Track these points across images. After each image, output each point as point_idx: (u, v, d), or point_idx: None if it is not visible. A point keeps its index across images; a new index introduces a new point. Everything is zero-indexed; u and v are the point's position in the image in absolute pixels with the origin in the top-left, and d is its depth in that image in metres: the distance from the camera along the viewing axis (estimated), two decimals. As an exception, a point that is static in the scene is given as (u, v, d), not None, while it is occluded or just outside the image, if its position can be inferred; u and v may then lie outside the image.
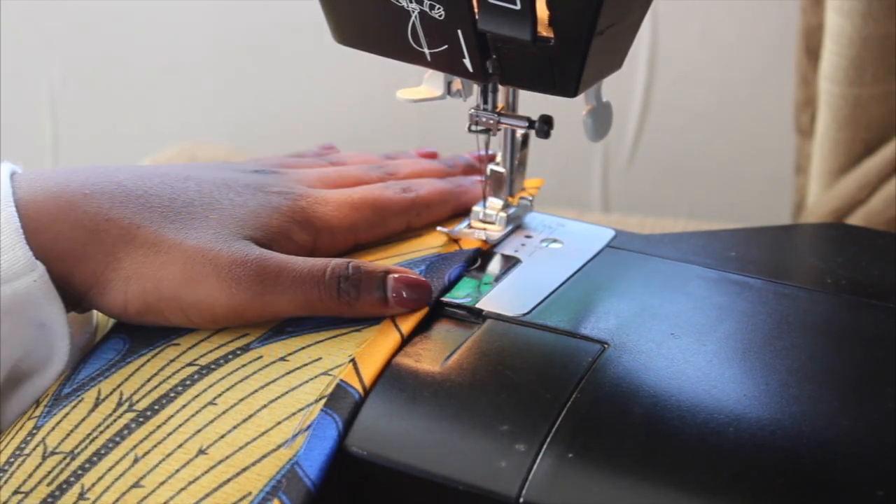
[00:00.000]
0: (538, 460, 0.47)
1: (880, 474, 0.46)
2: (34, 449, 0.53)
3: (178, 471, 0.51)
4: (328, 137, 1.21)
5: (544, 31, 0.52)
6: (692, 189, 1.16)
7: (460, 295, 0.57)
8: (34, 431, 0.53)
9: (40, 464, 0.52)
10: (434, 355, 0.53)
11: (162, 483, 0.50)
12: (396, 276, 0.55)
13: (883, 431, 0.48)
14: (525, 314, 0.55)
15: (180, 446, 0.51)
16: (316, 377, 0.52)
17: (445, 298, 0.57)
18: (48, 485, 0.51)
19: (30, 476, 0.52)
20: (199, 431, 0.52)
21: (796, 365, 0.52)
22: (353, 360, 0.53)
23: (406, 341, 0.54)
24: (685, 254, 0.60)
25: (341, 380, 0.52)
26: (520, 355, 0.53)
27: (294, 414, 0.51)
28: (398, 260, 0.59)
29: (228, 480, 0.50)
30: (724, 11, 1.09)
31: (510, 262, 0.60)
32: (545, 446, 0.48)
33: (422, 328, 0.55)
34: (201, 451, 0.51)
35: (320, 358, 0.53)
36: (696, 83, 1.12)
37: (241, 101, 1.24)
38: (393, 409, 0.51)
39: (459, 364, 0.52)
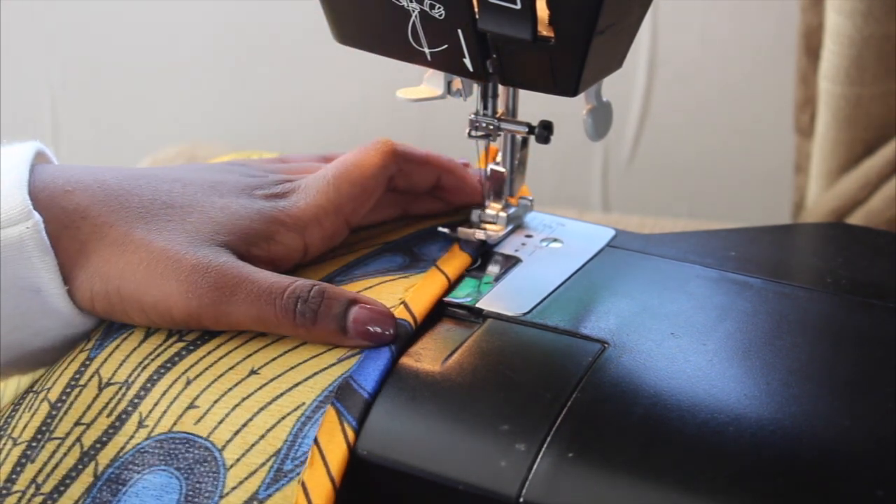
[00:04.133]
0: (538, 460, 0.47)
1: (880, 474, 0.46)
2: (90, 380, 0.54)
3: (230, 389, 0.52)
4: (328, 137, 1.21)
5: (544, 30, 0.52)
6: (692, 189, 1.16)
7: (460, 294, 0.57)
8: (87, 363, 0.54)
9: (97, 395, 0.53)
10: (434, 355, 0.53)
11: (216, 401, 0.52)
12: (359, 307, 0.53)
13: (883, 431, 0.48)
14: (525, 314, 0.55)
15: (231, 368, 0.53)
16: None
17: (446, 298, 0.57)
18: (108, 416, 0.53)
19: (89, 408, 0.53)
20: (249, 356, 0.53)
21: (796, 365, 0.52)
22: (403, 303, 0.55)
23: (452, 286, 0.57)
24: (685, 253, 0.60)
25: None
26: (520, 355, 0.53)
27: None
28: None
29: (282, 394, 0.51)
30: (724, 11, 1.09)
31: (510, 262, 0.60)
32: (545, 446, 0.48)
33: (422, 328, 0.55)
34: (253, 372, 0.52)
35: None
36: (696, 83, 1.12)
37: (241, 101, 1.24)
38: (393, 408, 0.51)
39: (459, 364, 0.52)
